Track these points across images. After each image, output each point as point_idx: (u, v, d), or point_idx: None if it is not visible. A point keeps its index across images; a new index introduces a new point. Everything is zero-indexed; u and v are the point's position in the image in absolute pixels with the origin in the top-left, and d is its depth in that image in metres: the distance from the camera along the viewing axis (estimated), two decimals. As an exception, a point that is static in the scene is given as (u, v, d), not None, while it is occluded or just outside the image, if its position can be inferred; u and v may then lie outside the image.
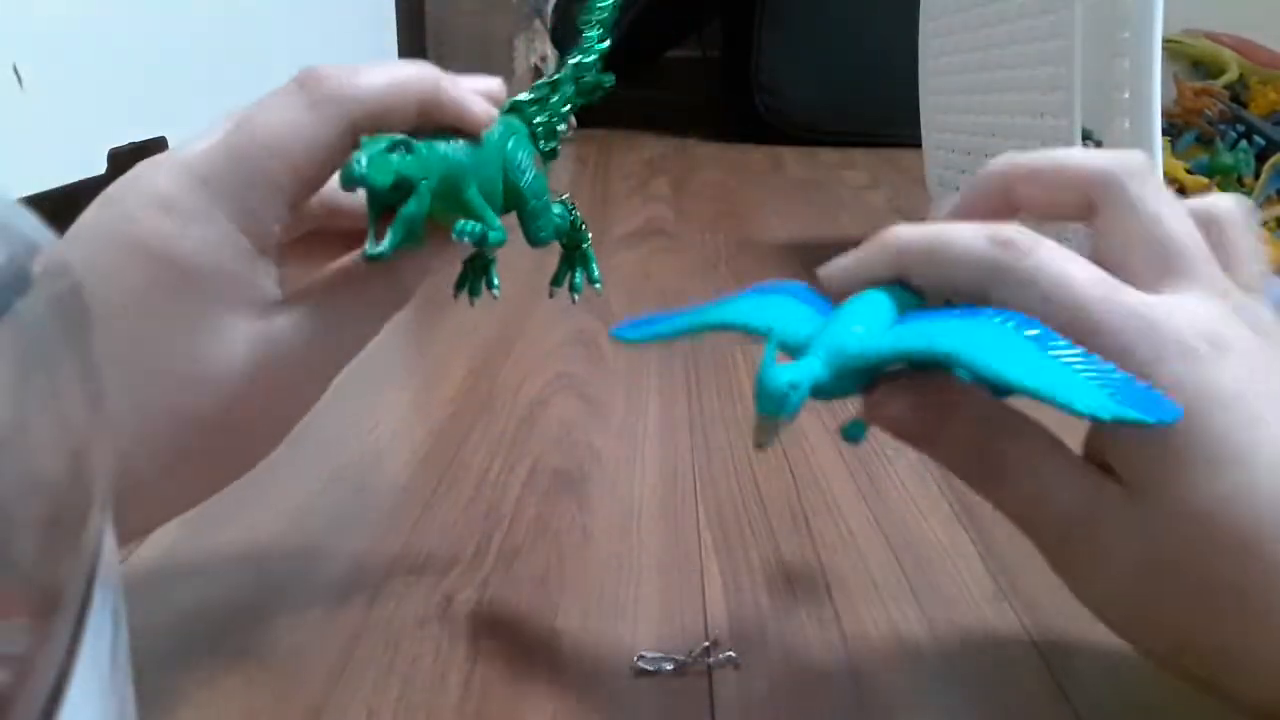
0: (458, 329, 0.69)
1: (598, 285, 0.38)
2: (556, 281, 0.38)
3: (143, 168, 0.30)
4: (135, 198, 0.28)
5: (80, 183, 0.67)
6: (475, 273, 0.37)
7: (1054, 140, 0.70)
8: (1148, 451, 0.25)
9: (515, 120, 0.35)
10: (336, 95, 0.29)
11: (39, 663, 0.13)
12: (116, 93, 0.72)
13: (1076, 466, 0.27)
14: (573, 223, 0.37)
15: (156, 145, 0.78)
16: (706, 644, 0.35)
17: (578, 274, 0.38)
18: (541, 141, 0.36)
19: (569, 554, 0.42)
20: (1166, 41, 0.70)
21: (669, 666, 0.34)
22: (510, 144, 0.33)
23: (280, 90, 0.30)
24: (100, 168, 0.70)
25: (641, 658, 0.35)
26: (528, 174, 0.33)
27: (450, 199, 0.31)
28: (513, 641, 0.36)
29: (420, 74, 0.30)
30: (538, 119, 0.36)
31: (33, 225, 0.15)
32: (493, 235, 0.32)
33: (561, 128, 0.37)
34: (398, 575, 0.40)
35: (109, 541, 0.17)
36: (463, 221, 0.31)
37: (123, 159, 0.72)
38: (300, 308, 0.30)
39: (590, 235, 0.38)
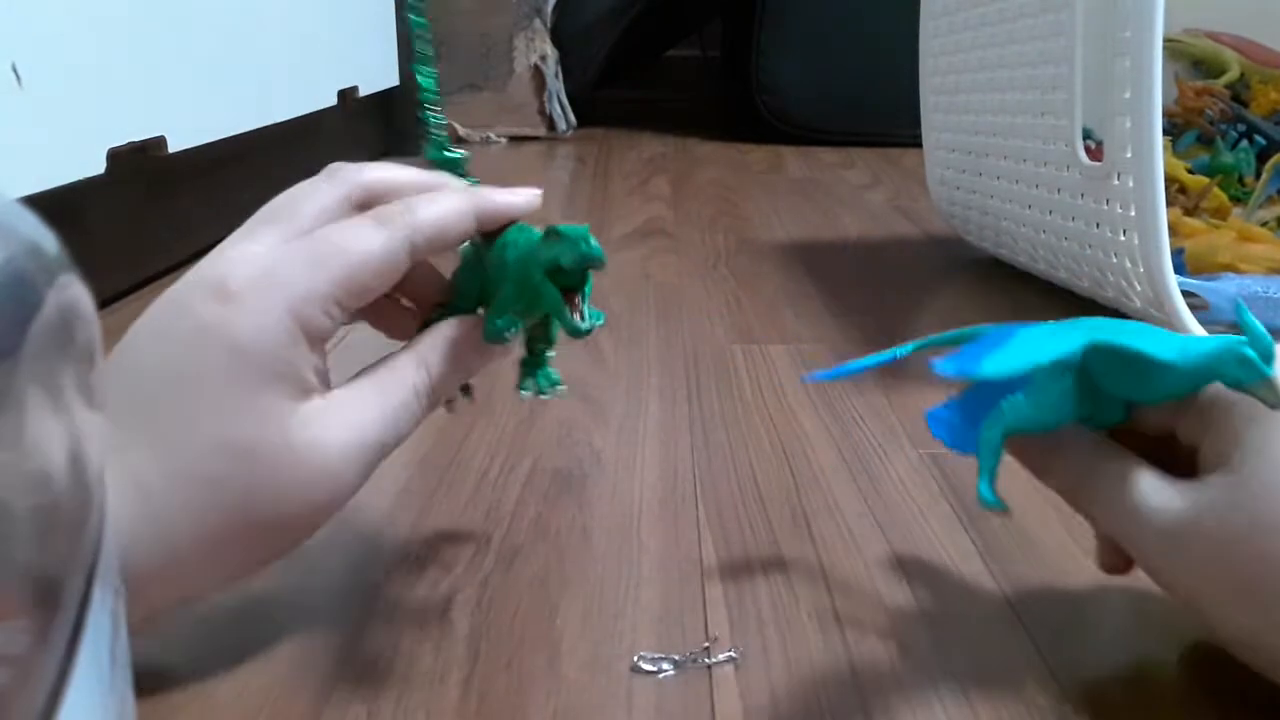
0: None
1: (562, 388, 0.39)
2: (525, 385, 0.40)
3: (210, 260, 0.32)
4: (200, 288, 0.31)
5: (80, 183, 0.67)
6: (535, 368, 0.39)
7: (1054, 140, 0.70)
8: (1247, 412, 0.30)
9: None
10: (403, 222, 0.33)
11: (39, 663, 0.13)
12: (116, 93, 0.72)
13: (1170, 479, 0.31)
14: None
15: (156, 145, 0.78)
16: (706, 644, 0.35)
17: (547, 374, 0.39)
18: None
19: (569, 554, 0.42)
20: (1167, 41, 0.70)
21: (669, 666, 0.34)
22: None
23: (353, 221, 0.33)
24: (100, 168, 0.70)
25: (641, 658, 0.35)
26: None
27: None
28: (513, 641, 0.36)
29: (464, 197, 0.35)
30: None
31: (33, 225, 0.15)
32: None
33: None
34: (398, 575, 0.40)
35: (109, 541, 0.17)
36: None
37: (122, 159, 0.72)
38: (336, 399, 0.32)
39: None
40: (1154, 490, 0.31)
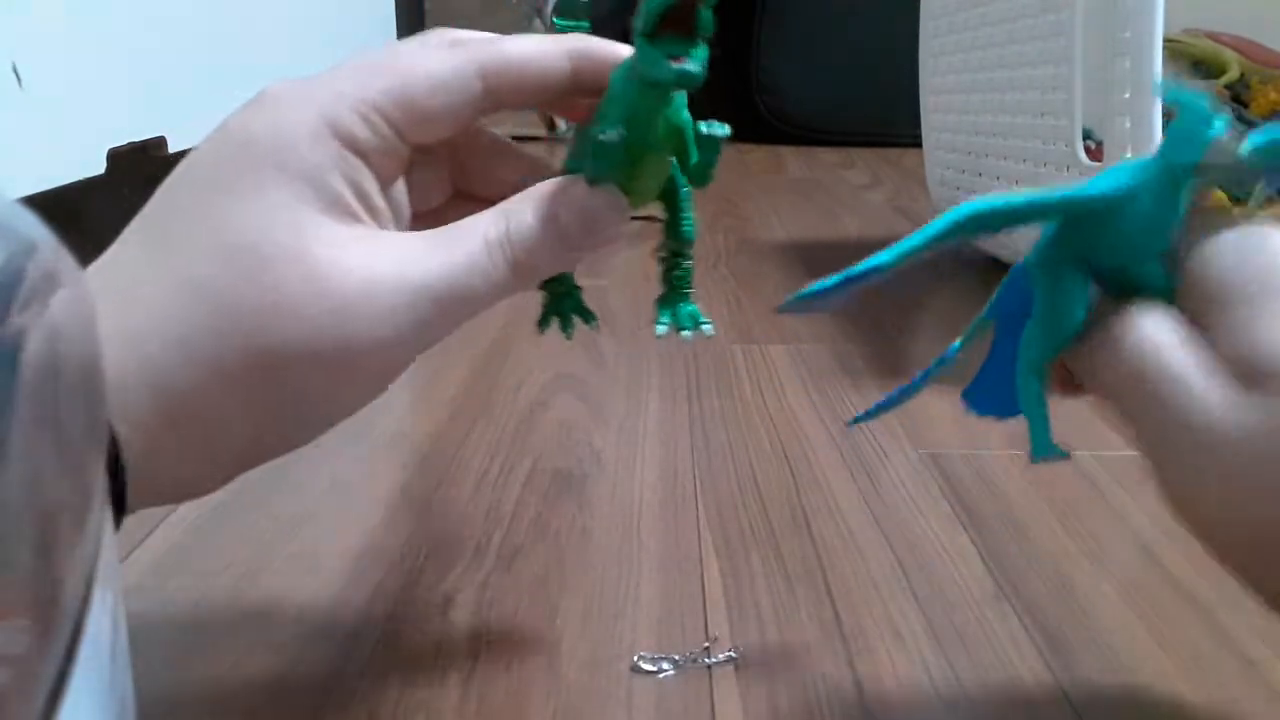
0: (457, 329, 0.69)
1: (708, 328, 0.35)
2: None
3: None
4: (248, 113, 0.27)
5: (80, 182, 0.67)
6: (563, 303, 0.36)
7: (1054, 140, 0.70)
8: None
9: None
10: (479, 48, 0.28)
11: (39, 663, 0.13)
12: (116, 93, 0.72)
13: (1229, 381, 0.24)
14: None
15: (157, 145, 0.78)
16: (706, 644, 0.35)
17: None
18: None
19: (569, 554, 0.42)
20: (1167, 41, 0.70)
21: (669, 666, 0.34)
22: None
23: (426, 47, 0.29)
24: (100, 168, 0.70)
25: (641, 657, 0.35)
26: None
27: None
28: (513, 641, 0.36)
29: (555, 43, 0.30)
30: None
31: (33, 225, 0.15)
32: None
33: None
34: (398, 575, 0.40)
35: (109, 541, 0.17)
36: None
37: (122, 159, 0.72)
38: (384, 233, 0.27)
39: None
40: (1214, 396, 0.24)
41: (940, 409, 0.57)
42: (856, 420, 0.37)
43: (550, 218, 0.28)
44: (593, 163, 0.29)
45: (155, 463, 0.26)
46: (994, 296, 0.32)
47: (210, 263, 0.25)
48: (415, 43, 0.29)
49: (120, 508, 0.26)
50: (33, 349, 0.14)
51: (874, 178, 1.38)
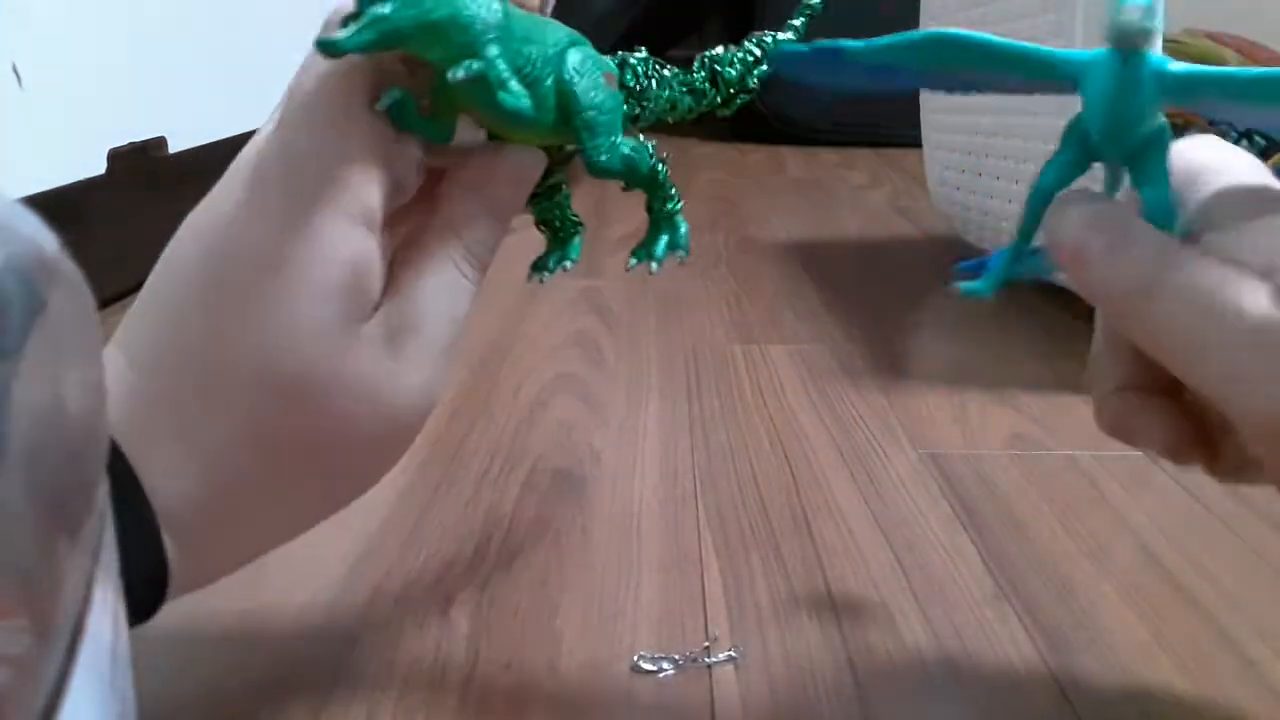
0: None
1: (681, 253, 0.35)
2: (637, 253, 0.36)
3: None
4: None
5: (80, 182, 0.67)
6: (559, 243, 0.35)
7: (1054, 140, 0.70)
8: None
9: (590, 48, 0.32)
10: None
11: (39, 663, 0.13)
12: (116, 93, 0.72)
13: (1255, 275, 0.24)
14: (655, 171, 0.34)
15: (156, 145, 0.78)
16: (706, 644, 0.35)
17: (659, 241, 0.35)
18: (641, 93, 0.33)
19: (569, 554, 0.42)
20: (1166, 41, 0.70)
21: (669, 666, 0.34)
22: (572, 48, 0.30)
23: None
24: (100, 168, 0.70)
25: (641, 657, 0.35)
26: (585, 81, 0.30)
27: (455, 47, 0.26)
28: (513, 641, 0.36)
29: None
30: (638, 65, 0.34)
31: (33, 225, 0.15)
32: (507, 99, 0.27)
33: (666, 86, 0.34)
34: (398, 575, 0.40)
35: (109, 541, 0.17)
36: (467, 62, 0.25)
37: (122, 159, 0.72)
38: (397, 310, 0.27)
39: (679, 198, 0.36)
40: (1245, 288, 0.24)
41: (940, 409, 0.57)
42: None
43: (494, 213, 0.29)
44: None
45: (197, 568, 0.27)
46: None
47: (260, 397, 0.25)
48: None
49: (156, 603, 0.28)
50: (32, 349, 0.14)
51: (874, 178, 1.38)
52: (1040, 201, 0.28)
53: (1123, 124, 0.27)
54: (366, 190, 0.25)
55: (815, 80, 0.31)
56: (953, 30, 0.29)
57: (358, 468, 0.28)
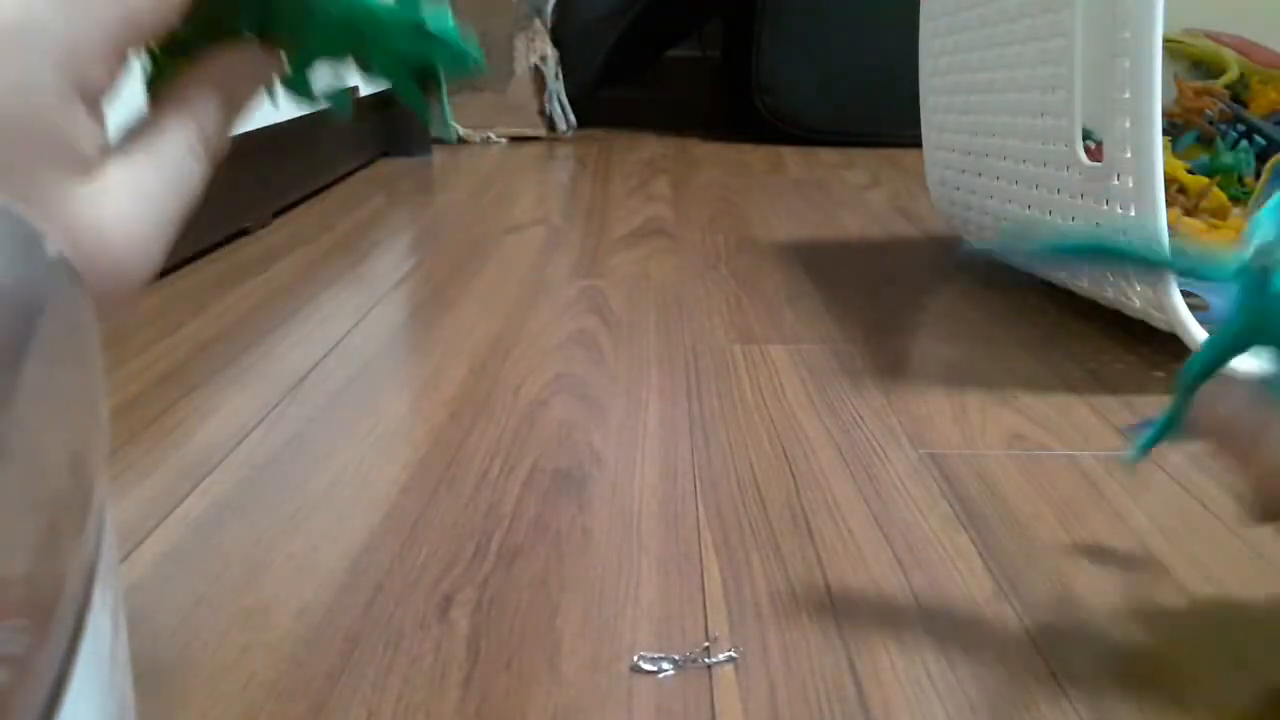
0: (457, 329, 0.69)
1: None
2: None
3: None
4: None
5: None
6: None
7: (1054, 140, 0.70)
8: None
9: None
10: None
11: (39, 663, 0.13)
12: (116, 93, 0.72)
13: None
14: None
15: (156, 145, 0.77)
16: (706, 644, 0.35)
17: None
18: None
19: (569, 554, 0.42)
20: (1167, 41, 0.70)
21: (669, 666, 0.34)
22: None
23: None
24: (100, 168, 0.70)
25: (641, 657, 0.35)
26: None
27: None
28: (513, 641, 0.36)
29: None
30: None
31: (33, 225, 0.15)
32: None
33: None
34: (398, 575, 0.40)
35: (109, 541, 0.17)
36: None
37: (123, 159, 0.72)
38: (116, 177, 0.27)
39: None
40: None
41: (940, 409, 0.57)
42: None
43: (230, 103, 0.30)
44: (300, 96, 0.31)
45: None
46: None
47: None
48: None
49: None
50: (33, 348, 0.14)
51: (874, 178, 1.38)
52: (1195, 378, 0.31)
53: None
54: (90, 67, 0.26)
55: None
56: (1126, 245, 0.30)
57: None
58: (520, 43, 1.66)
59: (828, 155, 1.57)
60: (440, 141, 1.61)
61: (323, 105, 0.32)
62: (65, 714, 0.14)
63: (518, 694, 0.33)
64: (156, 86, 0.30)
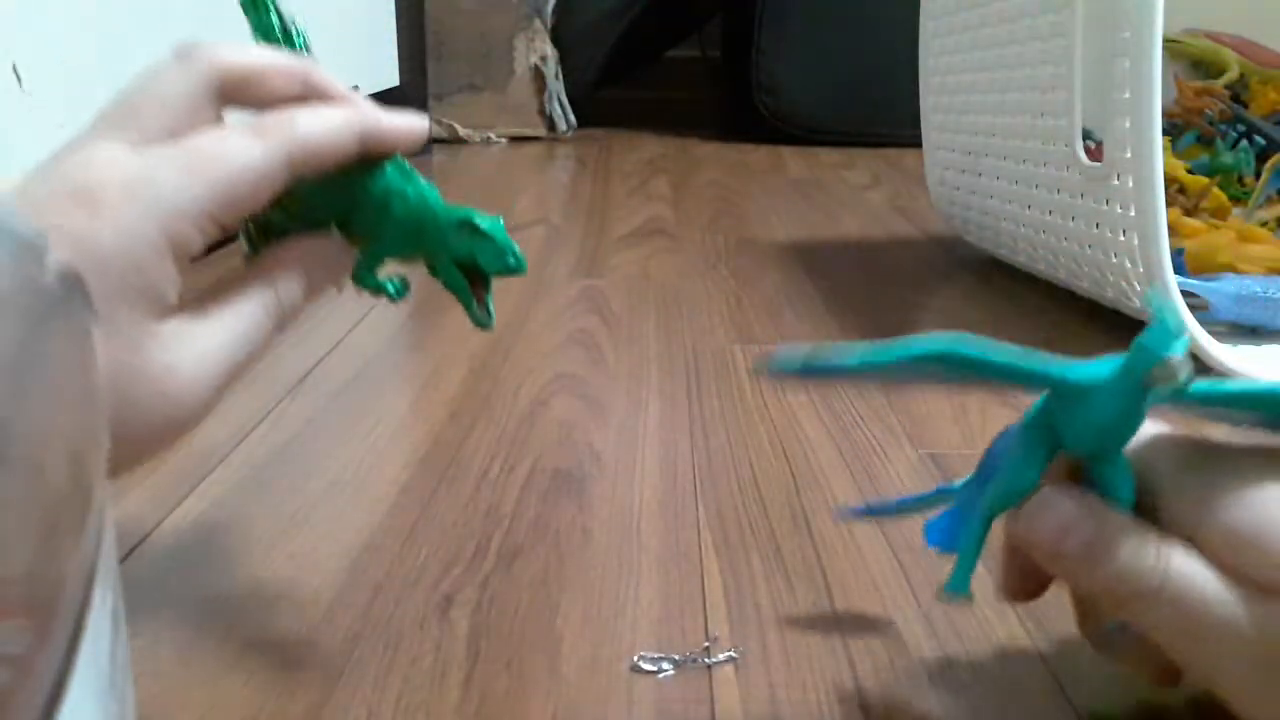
0: (457, 329, 0.69)
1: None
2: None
3: (71, 161, 0.29)
4: (64, 194, 0.28)
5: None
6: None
7: (1054, 140, 0.70)
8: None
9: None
10: (284, 135, 0.30)
11: (39, 663, 0.13)
12: (116, 93, 0.72)
13: (1225, 582, 0.27)
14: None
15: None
16: (706, 644, 0.35)
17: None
18: None
19: (569, 554, 0.42)
20: (1166, 41, 0.70)
21: (669, 666, 0.34)
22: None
23: (229, 130, 0.30)
24: (100, 168, 0.70)
25: (641, 657, 0.35)
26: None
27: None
28: (513, 641, 0.36)
29: (350, 115, 0.32)
30: None
31: (32, 225, 0.15)
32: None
33: None
34: (398, 575, 0.40)
35: (109, 541, 0.17)
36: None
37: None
38: (191, 321, 0.30)
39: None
40: (1228, 601, 0.26)
41: (940, 409, 0.57)
42: (844, 515, 0.39)
43: (309, 280, 0.33)
44: (367, 286, 0.35)
45: None
46: (990, 445, 0.34)
47: None
48: (194, 87, 0.31)
49: None
50: (33, 348, 0.14)
51: (874, 178, 1.38)
52: (984, 527, 0.30)
53: (1119, 437, 0.28)
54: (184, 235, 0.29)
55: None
56: (957, 345, 0.30)
57: (137, 446, 0.29)
58: (520, 43, 1.66)
59: (828, 155, 1.57)
60: (442, 141, 1.61)
61: (384, 293, 0.36)
62: (65, 714, 0.14)
63: (518, 694, 0.33)
64: (250, 262, 0.33)
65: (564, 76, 1.68)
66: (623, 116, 1.86)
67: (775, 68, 1.66)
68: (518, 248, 0.33)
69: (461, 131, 1.63)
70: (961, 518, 0.33)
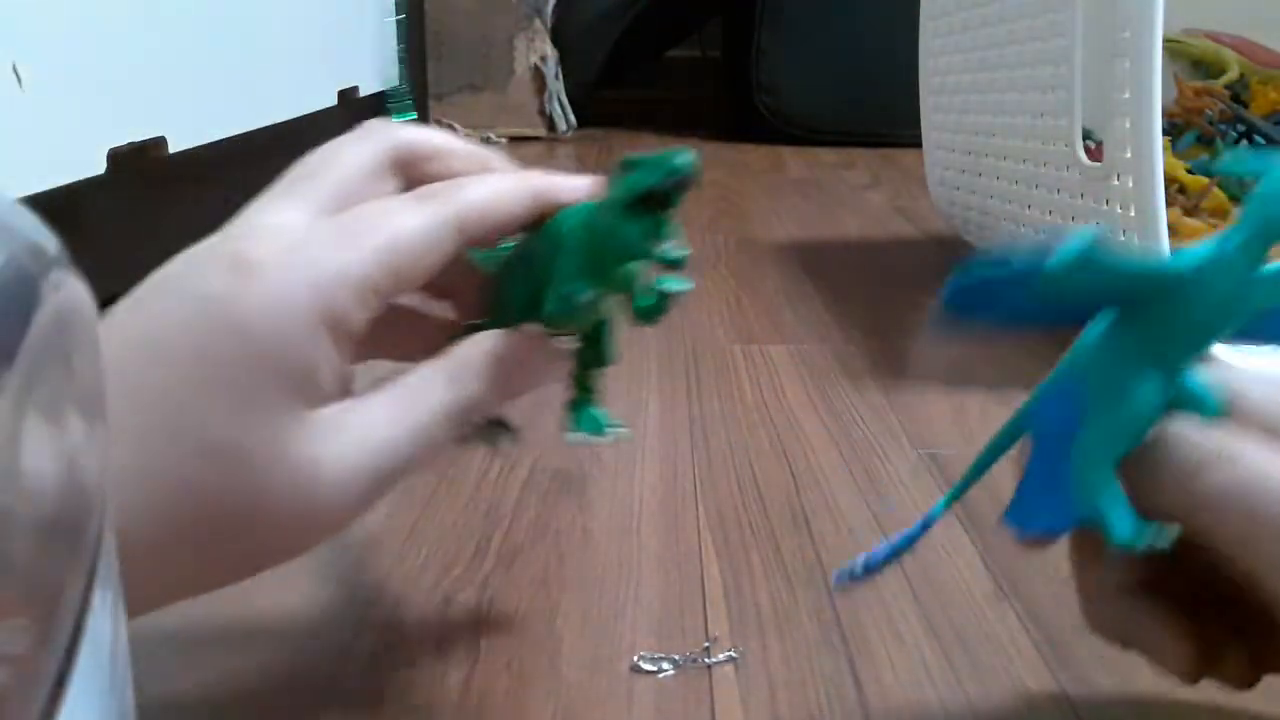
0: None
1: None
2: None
3: (237, 225, 0.28)
4: (218, 255, 0.26)
5: (80, 183, 0.67)
6: (584, 405, 0.33)
7: (1054, 140, 0.70)
8: None
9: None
10: (451, 198, 0.28)
11: (39, 663, 0.13)
12: (116, 93, 0.72)
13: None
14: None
15: (156, 145, 0.78)
16: (706, 644, 0.35)
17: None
18: None
19: (569, 554, 0.41)
20: (1166, 41, 0.70)
21: (669, 666, 0.34)
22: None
23: (392, 198, 0.29)
24: (100, 168, 0.70)
25: (641, 657, 0.35)
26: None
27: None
28: (513, 641, 0.36)
29: (522, 177, 0.30)
30: None
31: (33, 225, 0.15)
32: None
33: None
34: (398, 575, 0.40)
35: (109, 541, 0.17)
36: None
37: (122, 159, 0.72)
38: (350, 413, 0.27)
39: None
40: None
41: (940, 409, 0.57)
42: (846, 578, 0.34)
43: (497, 378, 0.29)
44: (557, 316, 0.30)
45: None
46: (1023, 410, 0.30)
47: (195, 465, 0.25)
48: (369, 159, 0.29)
49: None
50: (33, 348, 0.14)
51: (874, 178, 1.38)
52: (1125, 445, 0.26)
53: (1232, 318, 0.25)
54: (347, 310, 0.26)
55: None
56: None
57: (268, 544, 0.28)
58: (520, 43, 1.66)
59: (828, 155, 1.57)
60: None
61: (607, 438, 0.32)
62: (65, 714, 0.14)
63: (518, 694, 0.33)
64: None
65: (564, 76, 1.68)
66: (623, 116, 1.86)
67: (775, 68, 1.66)
68: (684, 154, 0.30)
69: (462, 132, 1.63)
70: (1048, 490, 0.29)
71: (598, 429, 0.32)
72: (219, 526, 0.26)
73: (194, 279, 0.26)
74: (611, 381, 0.61)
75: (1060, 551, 0.42)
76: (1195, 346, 0.26)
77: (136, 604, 0.26)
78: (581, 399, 0.33)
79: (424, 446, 0.28)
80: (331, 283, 0.26)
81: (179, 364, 0.25)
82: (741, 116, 1.73)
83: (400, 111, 0.34)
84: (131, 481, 0.24)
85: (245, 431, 0.25)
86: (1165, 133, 0.75)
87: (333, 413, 0.26)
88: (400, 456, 0.27)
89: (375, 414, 0.27)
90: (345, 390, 0.27)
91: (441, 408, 0.28)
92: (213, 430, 0.25)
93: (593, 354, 0.33)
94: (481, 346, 0.29)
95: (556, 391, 0.60)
